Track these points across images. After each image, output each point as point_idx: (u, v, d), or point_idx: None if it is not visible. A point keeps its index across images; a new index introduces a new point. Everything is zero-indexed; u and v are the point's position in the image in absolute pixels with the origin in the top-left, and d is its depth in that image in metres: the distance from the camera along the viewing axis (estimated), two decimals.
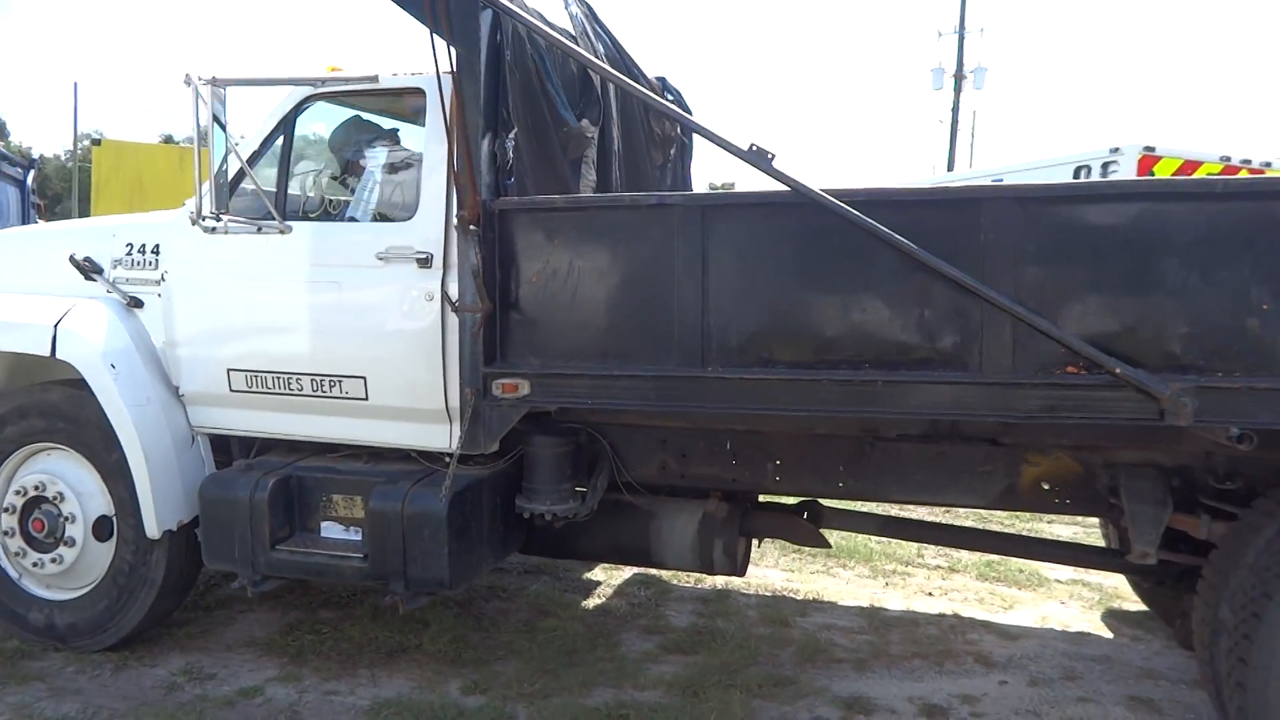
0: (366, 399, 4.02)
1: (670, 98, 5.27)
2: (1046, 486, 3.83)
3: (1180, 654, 4.57)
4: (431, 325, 3.87)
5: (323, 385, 4.06)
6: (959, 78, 28.30)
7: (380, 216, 4.12)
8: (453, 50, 3.45)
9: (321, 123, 4.41)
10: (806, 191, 3.15)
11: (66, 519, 4.29)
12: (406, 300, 3.91)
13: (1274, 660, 3.05)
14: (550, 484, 4.05)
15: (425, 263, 3.86)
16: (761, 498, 4.61)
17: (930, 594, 5.54)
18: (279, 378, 4.11)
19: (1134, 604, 5.30)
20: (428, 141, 3.95)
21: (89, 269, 4.36)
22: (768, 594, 5.43)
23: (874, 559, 6.08)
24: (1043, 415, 3.11)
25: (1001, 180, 12.09)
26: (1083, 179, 10.16)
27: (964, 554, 5.86)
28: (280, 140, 4.17)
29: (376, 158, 4.18)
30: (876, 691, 4.17)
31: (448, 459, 4.05)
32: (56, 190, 36.44)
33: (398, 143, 4.29)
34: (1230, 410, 2.93)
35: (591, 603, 5.26)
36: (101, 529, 4.27)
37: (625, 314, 3.47)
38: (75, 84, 43.75)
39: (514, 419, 3.63)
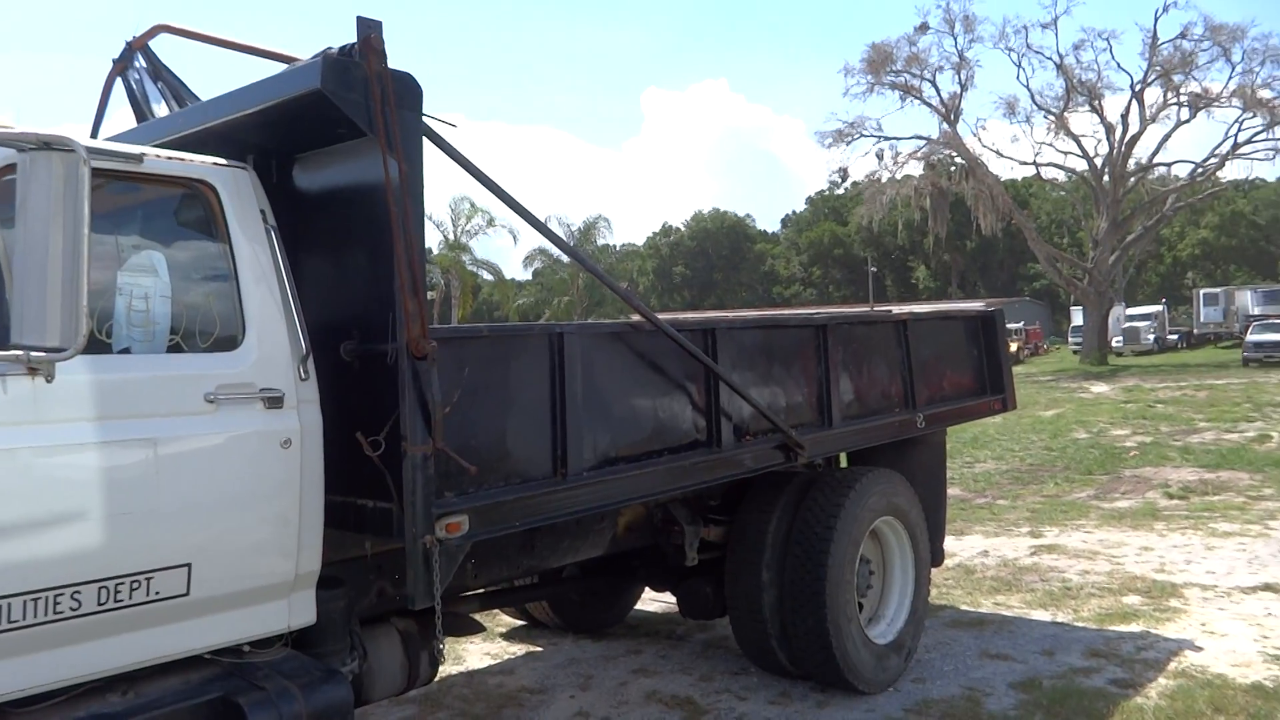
0: (187, 594, 2.94)
1: None
2: (629, 528, 5.23)
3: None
4: (288, 478, 3.16)
5: (118, 593, 2.79)
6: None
7: (175, 345, 2.99)
8: (397, 166, 3.09)
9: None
10: (655, 320, 4.06)
11: None
12: (253, 452, 3.07)
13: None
14: (344, 639, 3.62)
15: (275, 402, 3.12)
16: None
17: None
18: (37, 601, 2.62)
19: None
20: (238, 248, 3.13)
21: None
22: None
23: None
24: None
25: None
26: None
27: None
28: None
29: (148, 262, 2.97)
30: None
31: (247, 647, 3.32)
32: None
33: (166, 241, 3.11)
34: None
35: None
36: None
37: (530, 432, 3.65)
38: None
39: (459, 559, 3.33)
